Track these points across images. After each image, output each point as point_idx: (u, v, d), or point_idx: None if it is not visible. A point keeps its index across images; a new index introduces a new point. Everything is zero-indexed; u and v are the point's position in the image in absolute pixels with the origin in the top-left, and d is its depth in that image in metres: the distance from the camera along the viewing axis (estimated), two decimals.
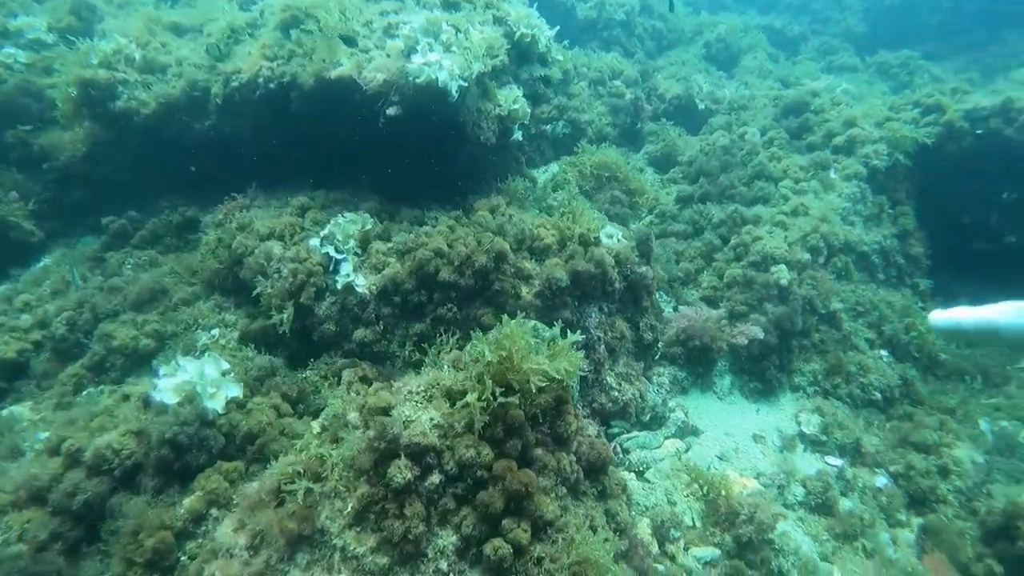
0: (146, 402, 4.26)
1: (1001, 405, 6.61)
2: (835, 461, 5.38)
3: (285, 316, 4.91)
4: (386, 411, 3.67)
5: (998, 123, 7.63)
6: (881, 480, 5.28)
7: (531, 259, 5.21)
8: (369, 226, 5.24)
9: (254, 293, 5.05)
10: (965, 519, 5.11)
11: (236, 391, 4.14)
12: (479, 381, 3.54)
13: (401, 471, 3.33)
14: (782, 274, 6.46)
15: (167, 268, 6.13)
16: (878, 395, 6.46)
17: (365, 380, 4.43)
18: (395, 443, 3.41)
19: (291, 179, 6.20)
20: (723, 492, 4.52)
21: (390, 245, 5.20)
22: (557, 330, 3.96)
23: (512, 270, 4.98)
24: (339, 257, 5.02)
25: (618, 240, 5.58)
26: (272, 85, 5.72)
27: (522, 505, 3.42)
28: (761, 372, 6.14)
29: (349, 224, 5.15)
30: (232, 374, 4.41)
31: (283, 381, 4.60)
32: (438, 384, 3.80)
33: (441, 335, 4.84)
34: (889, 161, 7.78)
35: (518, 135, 6.29)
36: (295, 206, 5.67)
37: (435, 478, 3.43)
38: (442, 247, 4.92)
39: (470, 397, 3.44)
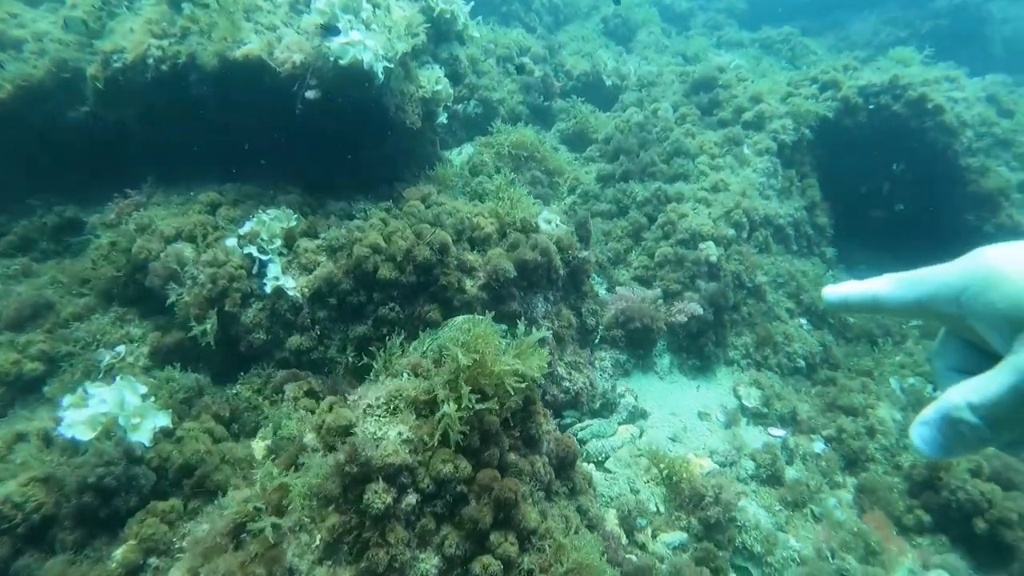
0: (48, 440, 3.70)
1: (905, 363, 7.18)
2: (777, 432, 5.62)
3: (208, 327, 4.41)
4: (347, 430, 3.37)
5: (887, 99, 8.21)
6: (818, 445, 5.59)
7: (472, 250, 4.99)
8: (294, 223, 4.81)
9: (168, 302, 4.50)
10: (892, 475, 5.50)
11: (164, 419, 3.67)
12: (452, 388, 3.32)
13: (379, 495, 3.05)
14: (711, 250, 6.62)
15: (47, 278, 5.38)
16: (802, 363, 6.82)
17: (311, 394, 4.07)
18: (367, 466, 3.13)
19: (194, 172, 5.58)
20: (684, 475, 4.58)
21: (319, 242, 4.81)
22: (521, 327, 3.80)
23: (455, 263, 4.75)
24: (264, 258, 4.57)
25: (556, 225, 5.47)
26: (165, 67, 5.09)
27: (509, 516, 3.27)
28: (699, 349, 6.29)
29: (273, 222, 4.70)
30: (153, 398, 3.92)
31: (213, 401, 4.16)
32: (400, 394, 3.53)
33: (386, 337, 4.57)
34: (796, 136, 8.19)
35: (443, 118, 6.01)
36: (204, 202, 5.10)
37: (411, 498, 3.18)
38: (379, 242, 4.59)
39: (448, 407, 3.21)
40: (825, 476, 5.32)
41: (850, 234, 8.72)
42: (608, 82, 10.48)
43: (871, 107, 8.22)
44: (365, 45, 4.75)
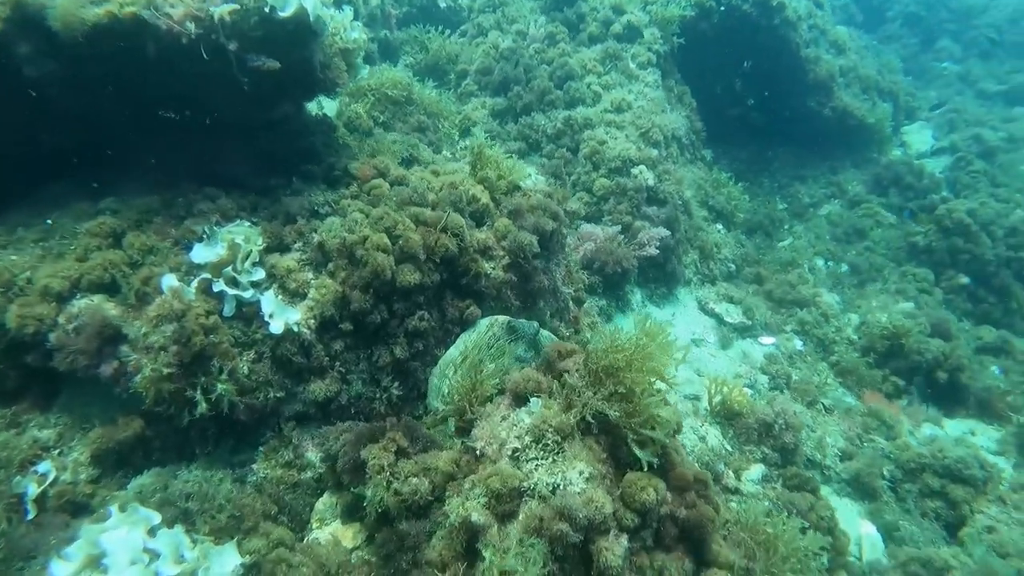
0: None
1: (797, 246, 8.02)
2: (767, 340, 5.94)
3: (200, 400, 3.28)
4: (520, 492, 2.76)
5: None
6: (797, 343, 6.04)
7: (476, 226, 4.31)
8: (259, 240, 3.69)
9: (131, 388, 3.24)
10: (856, 351, 6.17)
11: (232, 555, 2.69)
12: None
13: (611, 550, 2.58)
14: (645, 175, 6.57)
15: None
16: (733, 266, 7.25)
17: (402, 453, 3.24)
18: (575, 521, 2.60)
19: (26, 190, 4.03)
20: (744, 406, 4.63)
21: (297, 256, 3.78)
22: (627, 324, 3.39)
23: (475, 246, 4.07)
24: (246, 296, 3.46)
25: (535, 181, 4.96)
26: None
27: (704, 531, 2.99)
28: (666, 276, 6.33)
29: (247, 243, 3.55)
30: (178, 527, 2.85)
31: (252, 499, 3.16)
32: (545, 424, 2.97)
33: (423, 354, 3.84)
34: (668, 46, 8.32)
35: (364, 72, 5.00)
36: (95, 232, 3.67)
37: (623, 540, 2.75)
38: (383, 241, 3.73)
39: (658, 433, 2.78)
40: (813, 370, 5.80)
41: (715, 134, 9.29)
42: (443, 4, 9.64)
43: (723, 8, 8.64)
44: None
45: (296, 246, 3.83)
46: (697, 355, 5.64)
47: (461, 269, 3.97)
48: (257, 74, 3.80)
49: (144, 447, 3.52)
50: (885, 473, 4.78)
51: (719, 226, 7.65)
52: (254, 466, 3.46)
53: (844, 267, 7.49)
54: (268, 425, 3.61)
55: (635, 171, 6.60)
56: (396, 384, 3.76)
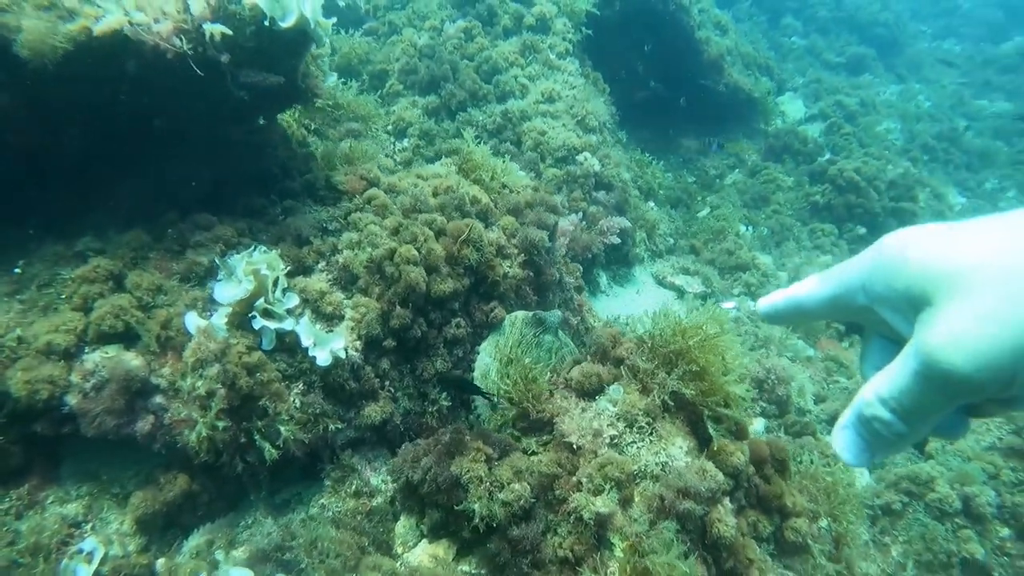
0: None
1: (725, 215, 8.61)
2: (729, 304, 6.36)
3: (266, 448, 3.04)
4: (632, 476, 2.83)
5: None
6: (751, 304, 6.52)
7: (484, 228, 4.27)
8: (278, 262, 3.45)
9: (180, 443, 2.92)
10: None
11: None
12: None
13: (724, 521, 2.73)
14: (591, 161, 6.78)
15: None
16: (671, 241, 7.67)
17: (490, 461, 3.18)
18: (700, 495, 2.72)
19: None
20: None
21: (324, 276, 3.58)
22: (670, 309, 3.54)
23: (492, 249, 4.04)
24: (286, 326, 3.23)
25: (517, 174, 4.98)
26: None
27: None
28: (624, 257, 6.58)
29: (271, 268, 3.29)
30: None
31: (336, 530, 2.99)
32: (635, 409, 3.05)
33: (462, 360, 3.79)
34: (580, 35, 8.55)
35: (331, 79, 4.76)
36: (87, 278, 3.26)
37: (728, 504, 2.91)
38: (413, 255, 3.62)
39: (733, 411, 2.95)
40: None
41: (622, 117, 9.69)
42: (341, 3, 9.26)
43: None
44: None
45: (319, 267, 3.64)
46: None
47: (483, 274, 3.95)
48: (254, 90, 3.56)
49: (191, 503, 3.22)
50: None
51: (651, 204, 8.05)
52: (322, 501, 3.28)
53: (765, 230, 8.15)
54: (321, 457, 3.43)
55: (580, 158, 6.80)
56: (444, 395, 3.69)
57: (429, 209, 4.10)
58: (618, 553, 2.73)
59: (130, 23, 3.11)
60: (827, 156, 9.72)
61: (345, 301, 3.51)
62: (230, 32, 3.26)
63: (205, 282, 3.50)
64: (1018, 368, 0.68)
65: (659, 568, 2.57)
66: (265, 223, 3.93)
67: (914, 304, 0.77)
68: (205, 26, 3.24)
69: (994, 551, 4.46)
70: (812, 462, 3.50)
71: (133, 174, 3.87)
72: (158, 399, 3.11)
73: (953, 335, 0.71)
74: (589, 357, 3.59)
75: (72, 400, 3.03)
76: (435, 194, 4.29)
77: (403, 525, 3.28)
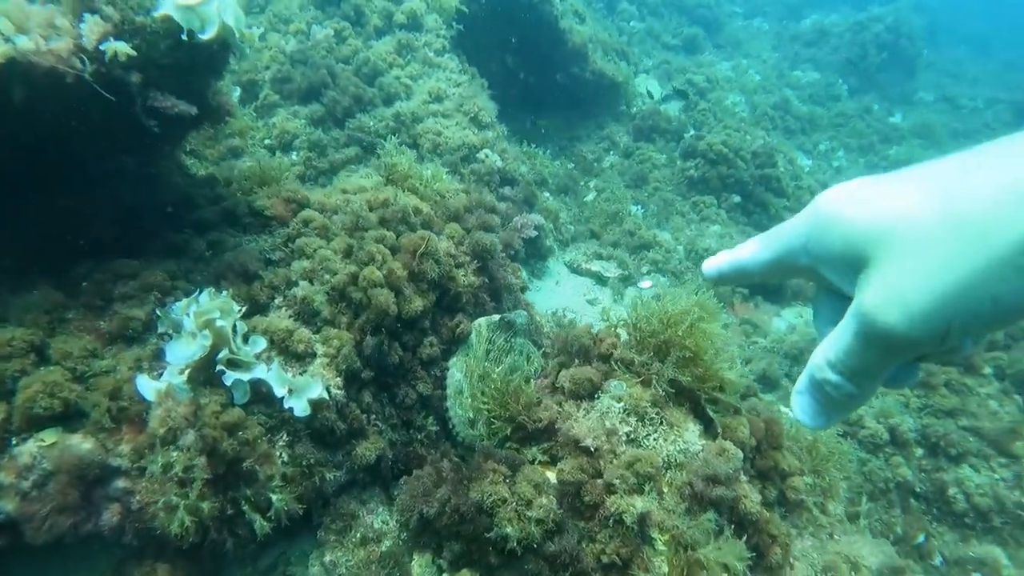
0: None
1: (617, 196, 8.92)
2: (646, 284, 6.56)
3: (257, 522, 2.68)
4: (658, 468, 2.82)
5: None
6: (664, 280, 6.80)
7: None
8: (231, 305, 3.05)
9: (159, 528, 2.49)
10: (701, 274, 7.16)
11: None
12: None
13: (751, 497, 2.82)
14: (493, 158, 6.70)
15: None
16: (572, 228, 7.82)
17: (507, 480, 3.01)
18: (725, 481, 2.77)
19: None
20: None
21: (287, 313, 3.22)
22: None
23: (449, 260, 3.85)
24: (260, 375, 2.87)
25: (446, 179, 4.80)
26: None
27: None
28: (539, 250, 6.58)
29: (224, 315, 2.89)
30: None
31: None
32: (642, 402, 3.06)
33: (442, 379, 3.60)
34: (453, 31, 8.37)
35: (236, 92, 4.27)
36: (9, 344, 2.69)
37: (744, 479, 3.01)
38: (377, 277, 3.37)
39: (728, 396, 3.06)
40: None
41: (500, 110, 9.70)
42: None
43: None
44: (223, 4, 3.01)
45: (276, 303, 3.28)
46: (596, 313, 6.08)
47: (445, 287, 3.78)
48: (164, 116, 3.13)
49: None
50: (780, 365, 5.80)
51: (546, 194, 8.16)
52: (329, 558, 2.98)
53: (653, 207, 8.55)
54: (313, 510, 3.12)
55: (480, 156, 6.72)
56: (431, 419, 3.50)
57: (372, 225, 3.85)
58: (660, 547, 2.75)
59: (15, 50, 2.63)
60: (691, 132, 10.38)
61: (313, 336, 3.20)
62: (133, 52, 2.83)
63: (145, 338, 3.05)
64: (952, 321, 0.69)
65: (710, 559, 2.63)
66: (193, 261, 3.50)
67: (852, 264, 0.78)
68: (105, 44, 2.80)
69: (917, 470, 5.07)
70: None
71: (13, 223, 3.29)
72: (120, 483, 2.67)
73: (887, 294, 0.73)
74: (566, 358, 3.56)
75: (8, 505, 2.52)
76: (372, 208, 4.04)
77: (419, 564, 3.08)
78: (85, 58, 2.76)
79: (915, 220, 0.71)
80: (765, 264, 0.96)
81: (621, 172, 9.73)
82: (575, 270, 6.83)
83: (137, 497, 2.65)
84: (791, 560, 3.07)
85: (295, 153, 6.68)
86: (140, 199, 3.75)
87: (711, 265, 1.06)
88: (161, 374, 2.92)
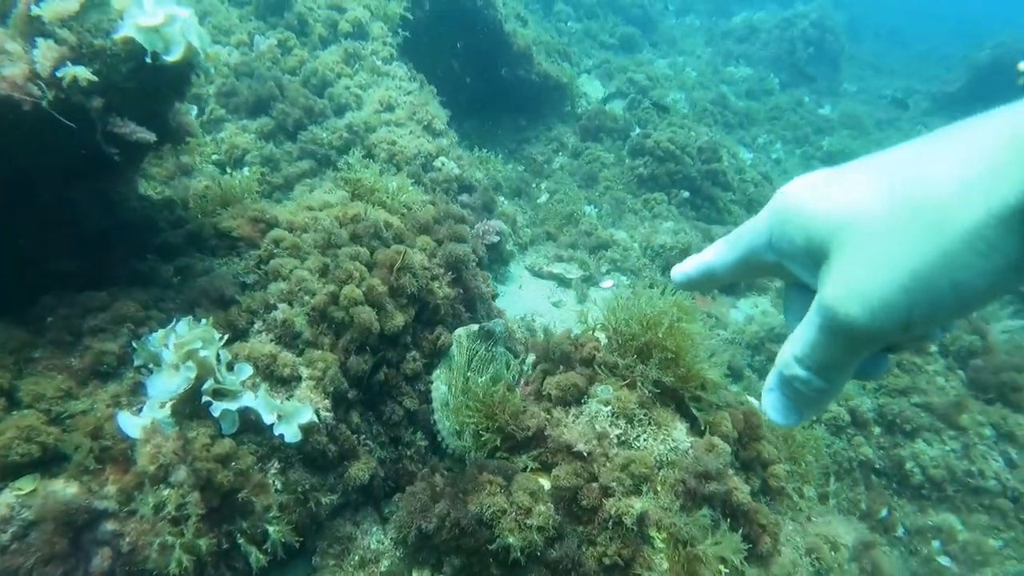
0: None
1: (572, 197, 9.02)
2: (607, 283, 6.66)
3: (253, 554, 2.62)
4: (653, 466, 2.90)
5: None
6: (623, 279, 6.92)
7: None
8: (212, 333, 2.96)
9: (161, 568, 2.40)
10: (658, 271, 7.35)
11: None
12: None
13: (741, 489, 2.92)
14: (450, 165, 6.69)
15: None
16: (529, 232, 7.88)
17: (504, 489, 3.02)
18: (715, 476, 2.87)
19: None
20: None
21: (268, 337, 3.15)
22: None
23: (425, 272, 3.84)
24: (244, 403, 2.80)
25: (412, 189, 4.78)
26: None
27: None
28: (500, 255, 6.61)
29: (206, 345, 2.80)
30: None
31: None
32: (630, 404, 3.12)
33: (429, 393, 3.59)
34: (399, 37, 8.30)
35: (194, 110, 4.14)
36: None
37: (731, 472, 3.13)
38: (357, 295, 3.33)
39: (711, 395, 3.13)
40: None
41: (456, 112, 9.69)
42: None
43: None
44: (187, 24, 2.92)
45: (256, 327, 3.21)
46: (564, 317, 6.17)
47: (424, 300, 3.77)
48: (124, 142, 3.02)
49: None
50: (743, 356, 6.00)
51: (501, 198, 8.20)
52: None
53: (606, 207, 8.70)
54: (307, 535, 3.07)
55: (437, 164, 6.70)
56: (419, 434, 3.49)
57: (345, 242, 3.81)
58: (659, 545, 2.83)
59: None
60: (637, 131, 10.60)
61: (297, 359, 3.15)
62: (93, 78, 2.73)
63: (121, 372, 2.94)
64: (912, 310, 0.69)
65: (708, 554, 2.72)
66: (162, 288, 3.39)
67: (814, 258, 0.78)
68: (62, 70, 2.69)
69: (876, 448, 5.35)
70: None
71: None
72: (109, 526, 2.57)
73: (846, 286, 0.72)
74: (549, 365, 3.60)
75: None
76: (342, 224, 3.99)
77: None
78: (43, 85, 2.66)
79: (872, 210, 0.71)
80: (732, 265, 0.95)
81: (571, 172, 9.86)
82: (537, 273, 6.89)
83: (127, 539, 2.56)
84: (779, 547, 3.19)
85: (247, 168, 6.51)
86: (98, 226, 3.61)
87: (679, 271, 1.05)
88: (141, 409, 2.82)
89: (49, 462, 2.61)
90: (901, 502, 5.19)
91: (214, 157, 6.76)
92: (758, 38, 18.56)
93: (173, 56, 2.91)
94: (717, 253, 0.97)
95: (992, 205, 0.62)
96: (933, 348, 5.84)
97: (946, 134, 0.70)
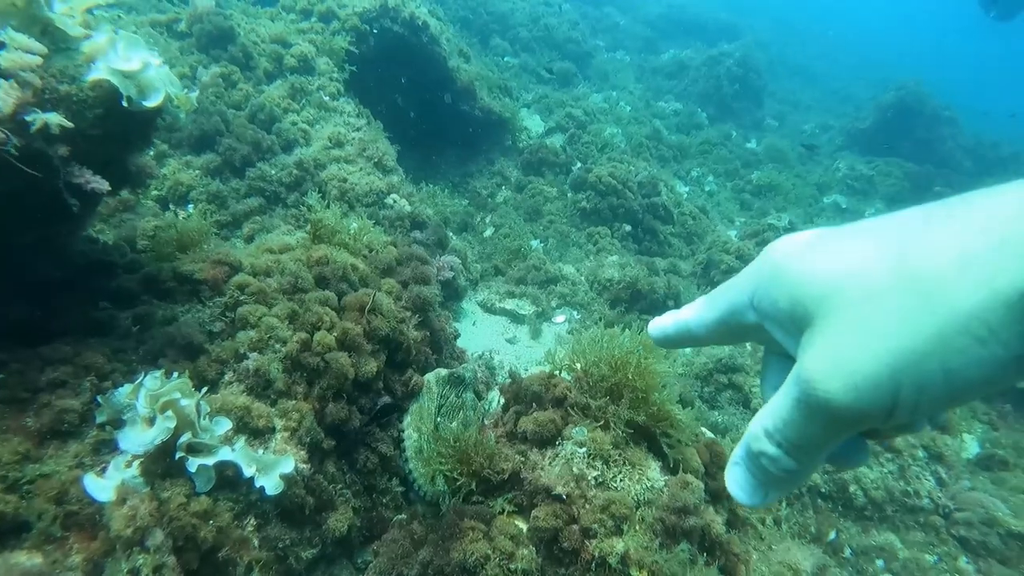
0: None
1: (516, 232, 9.14)
2: (560, 319, 6.75)
3: None
4: (631, 509, 2.96)
5: (387, 22, 9.02)
6: (574, 314, 7.06)
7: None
8: (188, 385, 2.86)
9: None
10: (607, 305, 7.53)
11: None
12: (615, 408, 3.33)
13: (717, 521, 3.02)
14: (401, 203, 6.70)
15: None
16: (479, 267, 7.95)
17: (486, 536, 3.01)
18: (695, 511, 2.97)
19: None
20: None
21: (240, 388, 3.06)
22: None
23: (395, 315, 3.83)
24: (221, 458, 2.70)
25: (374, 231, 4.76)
26: None
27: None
28: (455, 292, 6.62)
29: (185, 395, 2.70)
30: None
31: None
32: (605, 446, 3.20)
33: (400, 440, 3.56)
34: (346, 74, 8.27)
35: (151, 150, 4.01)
36: None
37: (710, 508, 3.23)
38: (330, 341, 3.30)
39: (681, 433, 3.25)
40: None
41: (405, 143, 9.71)
42: None
43: (376, 31, 8.94)
44: (158, 71, 2.86)
45: (226, 378, 3.12)
46: (519, 352, 6.24)
47: (396, 342, 3.76)
48: (82, 192, 2.93)
49: None
50: (693, 386, 6.21)
51: (449, 233, 8.24)
52: None
53: (552, 240, 8.88)
54: None
55: (388, 201, 6.70)
56: (395, 481, 3.45)
57: (311, 286, 3.77)
58: None
59: None
60: (578, 165, 10.90)
61: (272, 410, 3.09)
62: (69, 124, 2.67)
63: (83, 431, 2.80)
64: (899, 395, 0.63)
65: None
66: (120, 339, 3.26)
67: (798, 323, 0.72)
68: (32, 115, 2.61)
69: (821, 472, 5.63)
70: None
71: None
72: None
73: (829, 358, 0.66)
74: (522, 406, 3.65)
75: None
76: (308, 267, 3.95)
77: None
78: (7, 132, 2.56)
79: (865, 277, 0.65)
80: (711, 324, 0.89)
81: (515, 206, 10.02)
82: (489, 309, 6.95)
83: None
84: None
85: (191, 206, 6.33)
86: (45, 273, 3.45)
87: (656, 326, 0.99)
88: (105, 469, 2.70)
89: (5, 534, 2.46)
90: (847, 524, 5.47)
91: (154, 193, 6.55)
92: (687, 74, 19.47)
93: (152, 102, 2.87)
94: (696, 310, 0.93)
95: (998, 286, 0.56)
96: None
97: (955, 203, 0.64)
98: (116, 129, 2.88)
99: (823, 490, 5.55)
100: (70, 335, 3.20)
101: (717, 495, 3.58)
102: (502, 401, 3.91)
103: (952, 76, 34.18)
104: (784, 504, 5.21)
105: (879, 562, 5.23)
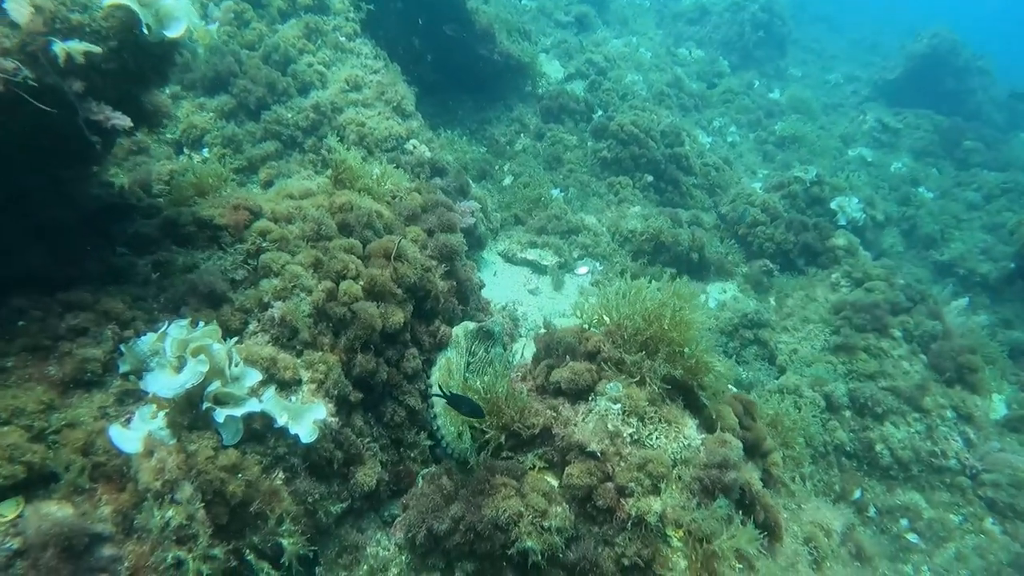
0: None
1: (537, 180, 8.88)
2: (583, 270, 6.59)
3: (263, 570, 2.46)
4: (669, 466, 2.87)
5: None
6: (597, 265, 6.89)
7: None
8: (217, 333, 2.74)
9: None
10: (628, 256, 7.34)
11: None
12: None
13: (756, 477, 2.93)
14: (421, 149, 6.48)
15: None
16: (499, 216, 7.75)
17: (518, 492, 2.93)
18: (736, 466, 2.87)
19: None
20: None
21: (266, 339, 2.95)
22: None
23: (421, 262, 3.68)
24: (249, 409, 2.61)
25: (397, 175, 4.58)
26: None
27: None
28: (476, 240, 6.46)
29: (216, 339, 2.59)
30: None
31: None
32: (641, 402, 3.08)
33: (428, 392, 3.47)
34: (362, 12, 7.92)
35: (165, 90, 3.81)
36: None
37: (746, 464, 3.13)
38: (356, 291, 3.16)
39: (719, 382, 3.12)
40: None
41: (424, 91, 9.38)
42: None
43: None
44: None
45: (251, 327, 3.00)
46: (543, 303, 6.10)
47: (424, 291, 3.62)
48: (99, 129, 2.75)
49: None
50: (718, 341, 6.08)
51: (468, 179, 8.02)
52: None
53: (572, 190, 8.63)
54: (314, 543, 2.92)
55: (408, 147, 6.48)
56: (423, 435, 3.36)
57: (334, 233, 3.61)
58: (676, 544, 2.82)
59: None
60: (599, 113, 10.54)
61: (299, 361, 2.97)
62: (96, 49, 2.49)
63: (106, 381, 2.71)
64: None
65: (725, 549, 2.72)
66: (140, 286, 3.13)
67: None
68: (56, 46, 2.43)
69: (848, 431, 5.53)
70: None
71: None
72: (106, 550, 2.37)
73: None
74: (554, 359, 3.53)
75: None
76: (331, 213, 3.78)
77: None
78: (14, 60, 2.38)
79: None
80: None
81: (535, 155, 9.73)
82: (511, 260, 6.79)
83: (127, 564, 2.37)
84: (783, 537, 3.25)
85: (206, 150, 6.13)
86: (60, 218, 3.30)
87: None
88: (130, 420, 2.61)
89: (33, 484, 2.38)
90: (871, 483, 5.41)
91: (168, 136, 6.35)
92: (709, 20, 18.73)
93: (174, 32, 2.67)
94: None
95: None
96: (897, 332, 6.08)
97: None
98: (131, 63, 2.68)
99: (848, 448, 5.48)
100: (88, 282, 3.08)
101: (750, 451, 3.48)
102: (531, 352, 3.79)
103: (985, 25, 32.85)
104: (808, 461, 5.13)
105: (903, 521, 5.19)
